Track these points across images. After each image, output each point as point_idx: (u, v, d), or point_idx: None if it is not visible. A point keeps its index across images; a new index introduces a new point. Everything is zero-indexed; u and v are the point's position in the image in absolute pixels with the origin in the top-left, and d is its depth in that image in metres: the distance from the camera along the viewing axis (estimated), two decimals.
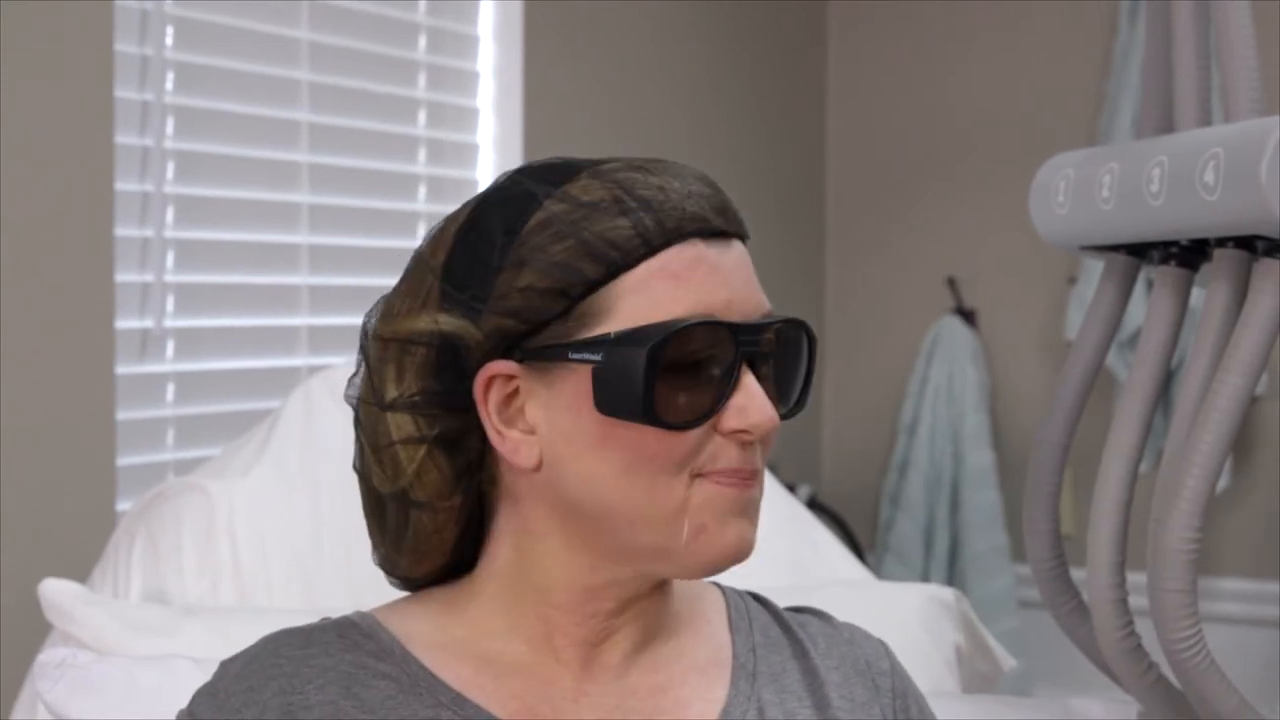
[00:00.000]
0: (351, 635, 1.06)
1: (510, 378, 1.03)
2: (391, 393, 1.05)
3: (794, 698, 1.10)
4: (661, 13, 3.55)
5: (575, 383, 1.01)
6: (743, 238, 1.08)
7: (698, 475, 1.02)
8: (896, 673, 1.18)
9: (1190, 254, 1.64)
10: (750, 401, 1.02)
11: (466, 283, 1.03)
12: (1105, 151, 1.73)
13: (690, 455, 1.02)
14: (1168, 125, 1.69)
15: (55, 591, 1.66)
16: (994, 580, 3.80)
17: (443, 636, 1.07)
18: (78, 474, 2.28)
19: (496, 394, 1.03)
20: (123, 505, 2.33)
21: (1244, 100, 1.53)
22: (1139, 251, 1.72)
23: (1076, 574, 1.77)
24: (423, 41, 3.02)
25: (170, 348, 2.51)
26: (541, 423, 1.02)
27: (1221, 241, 1.56)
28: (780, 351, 1.06)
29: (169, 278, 2.49)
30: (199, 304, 2.56)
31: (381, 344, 1.06)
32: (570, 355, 1.00)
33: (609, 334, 1.00)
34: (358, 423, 1.09)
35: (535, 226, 1.01)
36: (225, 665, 1.07)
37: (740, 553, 1.04)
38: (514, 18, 3.14)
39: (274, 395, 2.49)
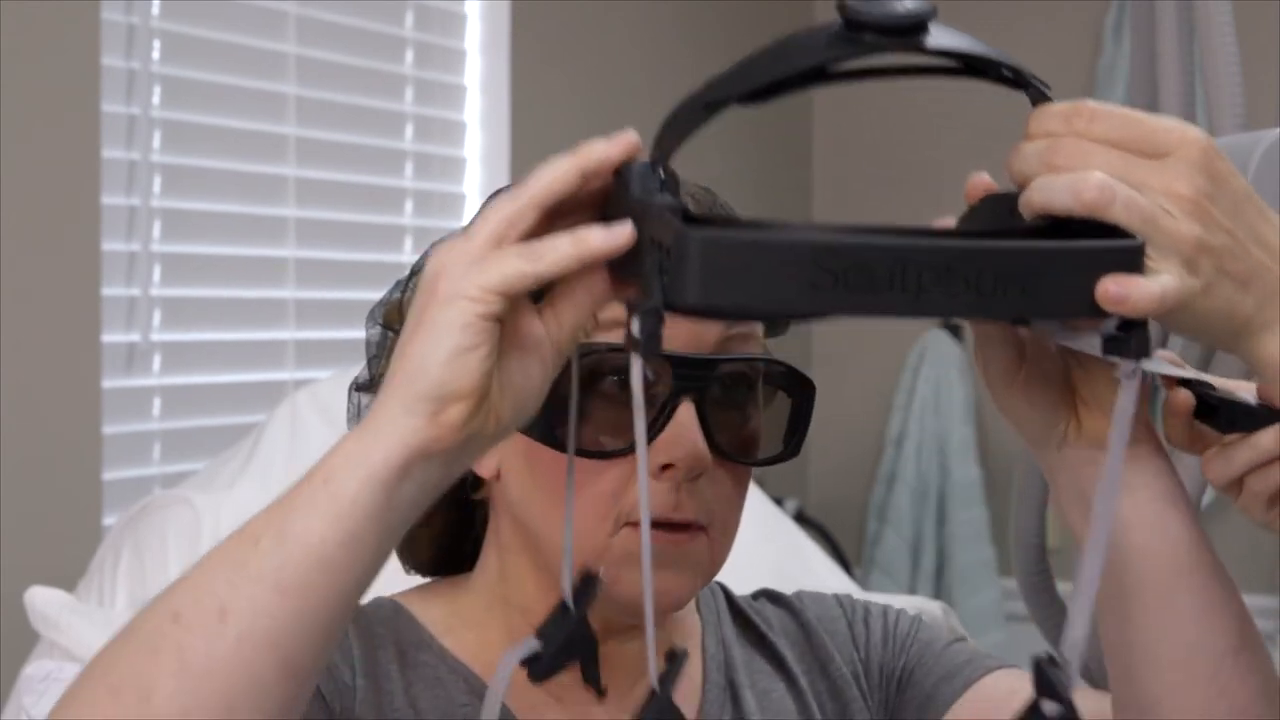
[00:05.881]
0: (409, 633, 1.04)
1: None
2: (369, 374, 1.05)
3: (765, 677, 1.09)
4: (649, 27, 3.56)
5: None
6: None
7: (627, 523, 0.95)
8: (849, 607, 1.15)
9: None
10: (678, 434, 0.94)
11: None
12: None
13: (614, 494, 0.95)
14: None
15: (42, 601, 1.66)
16: (981, 594, 3.81)
17: (465, 643, 1.05)
18: (64, 488, 2.27)
19: None
20: (109, 519, 2.32)
21: (1228, 115, 1.54)
22: None
23: (1063, 587, 1.77)
24: (409, 56, 3.02)
25: (157, 362, 2.50)
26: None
27: None
28: (753, 392, 0.99)
29: (156, 291, 2.49)
30: (186, 318, 2.56)
31: (380, 330, 1.06)
32: None
33: None
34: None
35: None
36: None
37: (661, 606, 0.96)
38: (501, 32, 3.15)
39: (260, 409, 2.49)
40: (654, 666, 0.78)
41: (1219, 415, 0.91)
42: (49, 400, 2.25)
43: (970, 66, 0.77)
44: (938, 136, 4.09)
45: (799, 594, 1.18)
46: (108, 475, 2.36)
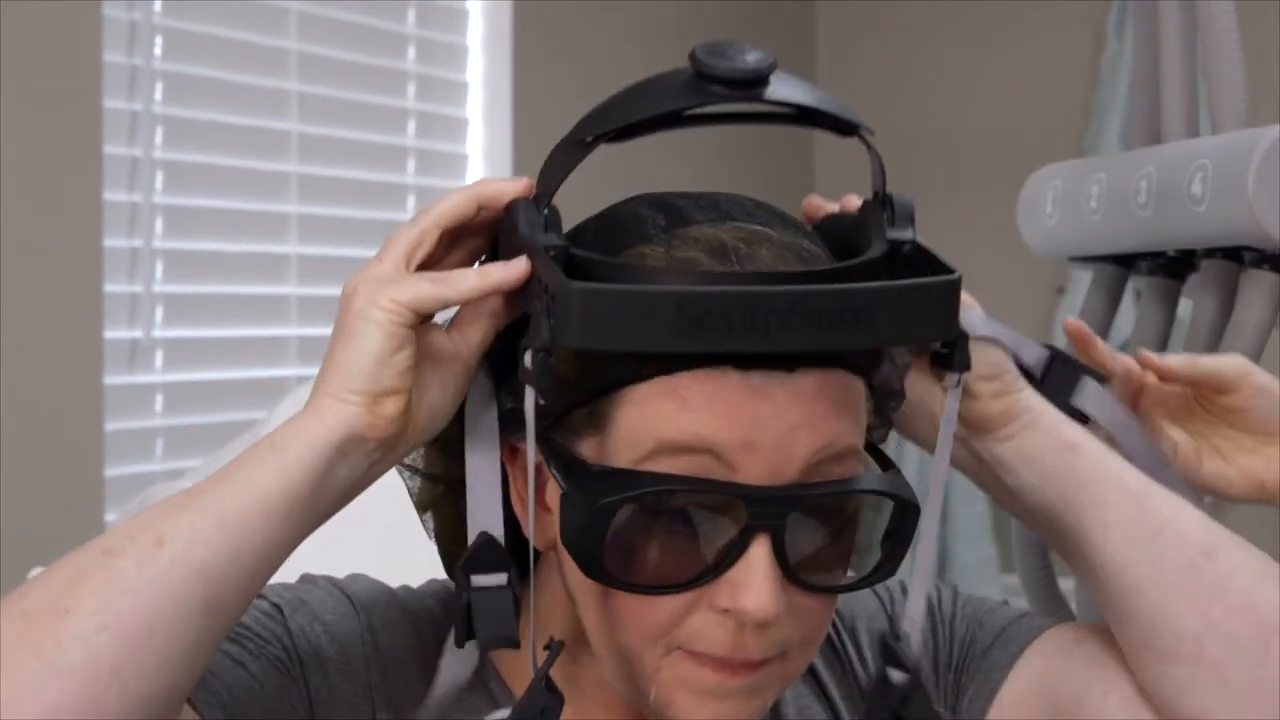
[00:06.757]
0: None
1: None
2: None
3: (811, 703, 1.05)
4: (651, 23, 3.55)
5: None
6: (846, 365, 0.87)
7: (677, 648, 0.87)
8: (887, 600, 1.10)
9: (1178, 265, 1.65)
10: (747, 577, 0.84)
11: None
12: (1094, 162, 1.73)
13: (667, 626, 0.87)
14: (1157, 137, 1.69)
15: None
16: (982, 591, 3.74)
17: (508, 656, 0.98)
18: (66, 484, 2.27)
19: (524, 462, 0.91)
20: (111, 516, 2.33)
21: (1230, 112, 1.53)
22: (1127, 262, 1.72)
23: (1065, 584, 1.77)
24: (412, 52, 3.02)
25: (159, 358, 2.51)
26: (556, 510, 0.89)
27: (1209, 252, 1.56)
28: (843, 516, 0.89)
29: (158, 288, 2.49)
30: (188, 314, 2.56)
31: None
32: (551, 468, 0.88)
33: (587, 462, 0.86)
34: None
35: None
36: (359, 578, 1.02)
37: None
38: (503, 28, 3.15)
39: (262, 406, 2.49)
40: (534, 657, 0.85)
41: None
42: (51, 397, 2.25)
43: (805, 115, 0.86)
44: (939, 153, 4.09)
45: None
46: (110, 472, 2.36)
